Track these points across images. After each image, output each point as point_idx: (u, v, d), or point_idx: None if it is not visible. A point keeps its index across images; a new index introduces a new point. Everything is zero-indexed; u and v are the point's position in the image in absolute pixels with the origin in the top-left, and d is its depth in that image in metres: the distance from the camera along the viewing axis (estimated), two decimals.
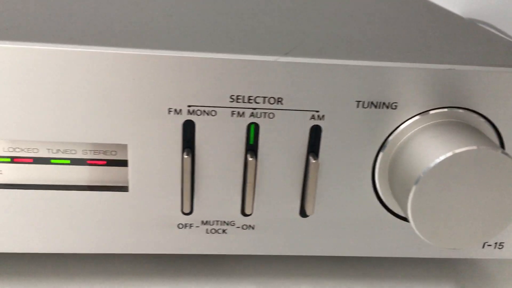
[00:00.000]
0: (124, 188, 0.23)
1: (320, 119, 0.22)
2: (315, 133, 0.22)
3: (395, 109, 0.22)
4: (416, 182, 0.20)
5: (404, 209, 0.21)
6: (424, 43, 0.25)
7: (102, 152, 0.23)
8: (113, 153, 0.23)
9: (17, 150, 0.23)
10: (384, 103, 0.22)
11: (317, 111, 0.22)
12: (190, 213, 0.24)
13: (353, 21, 0.29)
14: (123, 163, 0.24)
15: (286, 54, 0.21)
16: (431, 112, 0.22)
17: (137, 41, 0.22)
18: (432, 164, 0.20)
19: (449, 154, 0.20)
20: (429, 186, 0.20)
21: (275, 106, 0.22)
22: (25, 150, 0.23)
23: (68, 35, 0.21)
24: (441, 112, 0.22)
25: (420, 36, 0.27)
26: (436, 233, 0.21)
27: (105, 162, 0.24)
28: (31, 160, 0.23)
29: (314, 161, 0.22)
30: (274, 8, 0.30)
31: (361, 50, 0.23)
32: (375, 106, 0.22)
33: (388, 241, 0.25)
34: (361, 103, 0.22)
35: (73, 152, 0.23)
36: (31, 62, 0.20)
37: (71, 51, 0.20)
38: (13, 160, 0.23)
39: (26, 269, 0.27)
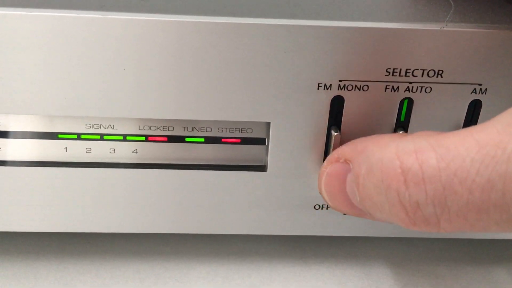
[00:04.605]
0: (262, 168, 0.22)
1: (482, 93, 0.20)
2: (474, 109, 0.20)
3: None
4: None
5: None
6: None
7: (238, 130, 0.22)
8: (249, 131, 0.22)
9: (152, 128, 0.22)
10: None
11: (480, 84, 0.20)
12: None
13: None
14: (259, 141, 0.22)
15: (447, 21, 0.19)
16: None
17: (286, 10, 0.20)
18: None
19: None
20: None
21: (433, 79, 0.20)
22: (160, 128, 0.22)
23: (203, 7, 0.20)
24: None
25: None
26: None
27: (239, 141, 0.22)
28: (165, 139, 0.22)
29: None
30: None
31: None
32: None
33: None
34: None
35: (208, 130, 0.22)
36: (175, 35, 0.19)
37: (221, 23, 0.19)
38: (148, 138, 0.22)
39: (154, 249, 0.26)
